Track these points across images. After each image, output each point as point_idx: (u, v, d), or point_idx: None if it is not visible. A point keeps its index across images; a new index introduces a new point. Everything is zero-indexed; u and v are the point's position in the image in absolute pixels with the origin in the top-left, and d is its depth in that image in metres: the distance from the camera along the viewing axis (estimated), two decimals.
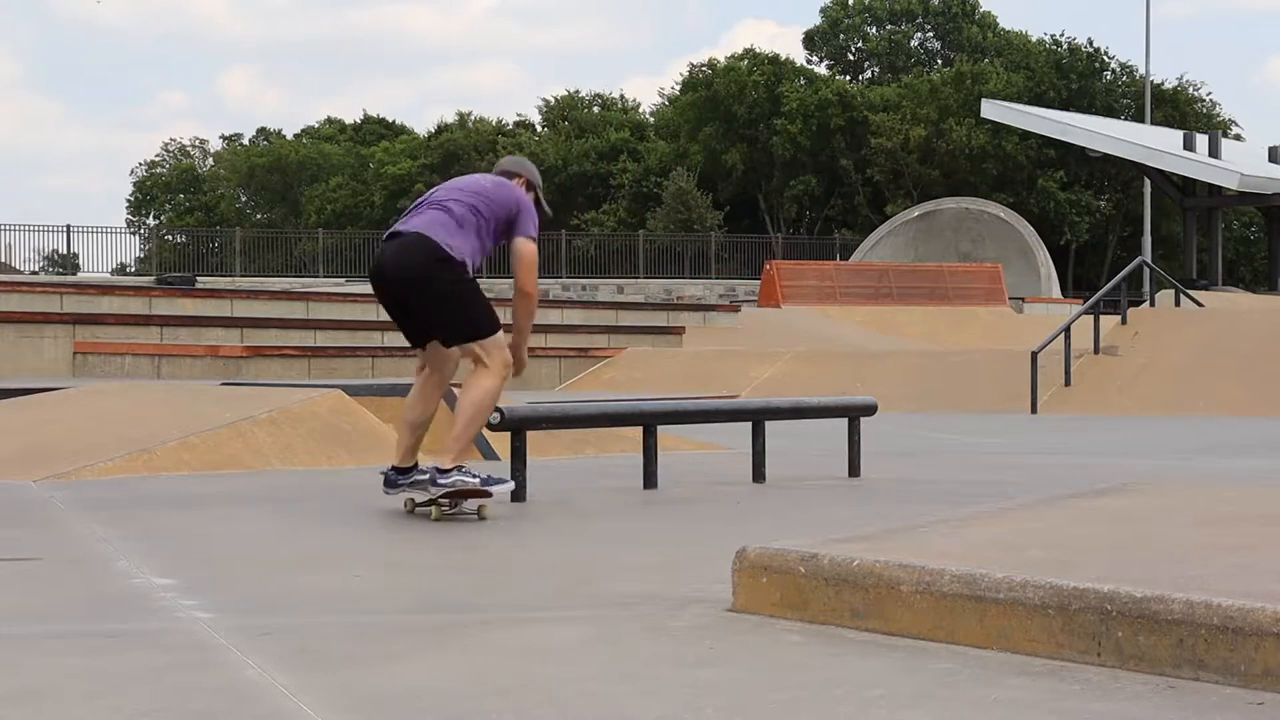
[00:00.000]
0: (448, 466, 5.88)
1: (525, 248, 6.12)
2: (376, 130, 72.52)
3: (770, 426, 7.81)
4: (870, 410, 8.27)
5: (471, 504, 5.96)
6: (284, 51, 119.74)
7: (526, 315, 6.24)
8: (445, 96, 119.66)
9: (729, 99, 57.82)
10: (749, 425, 7.75)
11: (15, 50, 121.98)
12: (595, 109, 67.23)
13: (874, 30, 68.43)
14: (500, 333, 6.15)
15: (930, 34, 68.88)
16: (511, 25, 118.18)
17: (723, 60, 61.23)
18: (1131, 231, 54.46)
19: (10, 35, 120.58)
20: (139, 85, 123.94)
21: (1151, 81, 50.85)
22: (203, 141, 78.00)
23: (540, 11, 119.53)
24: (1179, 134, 46.55)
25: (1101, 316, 18.61)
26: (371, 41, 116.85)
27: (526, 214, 6.19)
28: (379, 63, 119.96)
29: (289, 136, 73.96)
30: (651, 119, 66.74)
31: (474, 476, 5.90)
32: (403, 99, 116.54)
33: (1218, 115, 61.69)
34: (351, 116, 76.45)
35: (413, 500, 6.14)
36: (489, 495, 5.94)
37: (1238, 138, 58.84)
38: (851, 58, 69.05)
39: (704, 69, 61.46)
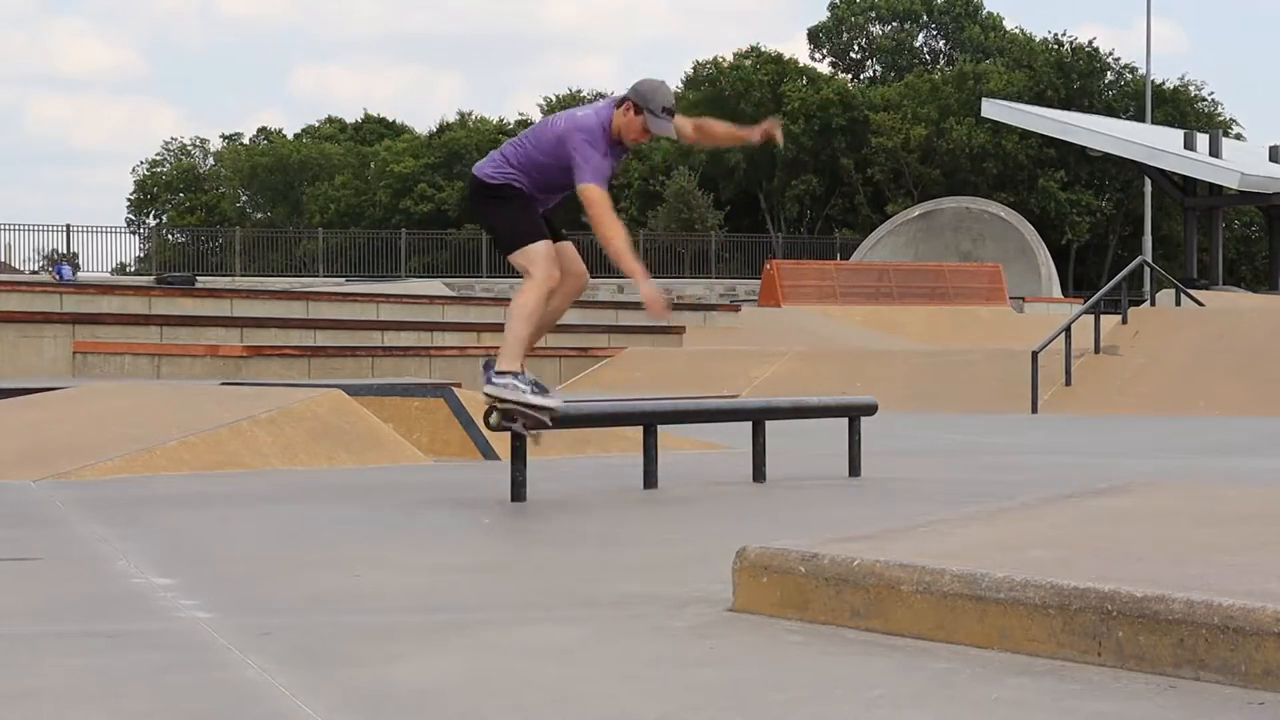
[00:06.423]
0: (504, 368, 5.92)
1: (585, 196, 5.84)
2: (377, 129, 72.51)
3: (770, 426, 7.80)
4: (870, 410, 8.26)
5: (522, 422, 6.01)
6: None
7: (621, 257, 5.88)
8: (447, 94, 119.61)
9: (735, 97, 57.81)
10: (749, 425, 7.75)
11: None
12: None
13: (878, 29, 68.47)
14: (541, 243, 5.95)
15: (934, 33, 68.92)
16: (513, 24, 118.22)
17: (729, 58, 61.31)
18: (1132, 231, 54.47)
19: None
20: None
21: (1152, 81, 50.85)
22: (203, 140, 78.06)
23: (544, 10, 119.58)
24: (1179, 133, 46.55)
25: (1102, 316, 18.57)
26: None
27: (578, 155, 5.87)
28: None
29: (289, 136, 74.01)
30: None
31: (528, 386, 5.92)
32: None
33: (1218, 115, 61.72)
34: (352, 117, 76.43)
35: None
36: (535, 408, 5.92)
37: (1238, 137, 58.83)
38: (855, 56, 69.08)
39: (708, 67, 61.45)
